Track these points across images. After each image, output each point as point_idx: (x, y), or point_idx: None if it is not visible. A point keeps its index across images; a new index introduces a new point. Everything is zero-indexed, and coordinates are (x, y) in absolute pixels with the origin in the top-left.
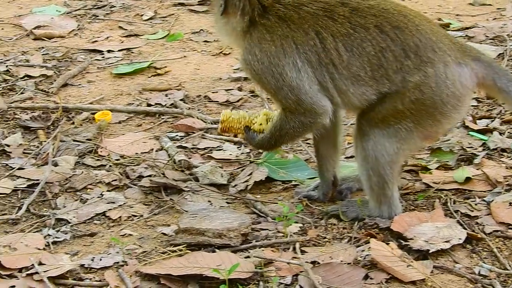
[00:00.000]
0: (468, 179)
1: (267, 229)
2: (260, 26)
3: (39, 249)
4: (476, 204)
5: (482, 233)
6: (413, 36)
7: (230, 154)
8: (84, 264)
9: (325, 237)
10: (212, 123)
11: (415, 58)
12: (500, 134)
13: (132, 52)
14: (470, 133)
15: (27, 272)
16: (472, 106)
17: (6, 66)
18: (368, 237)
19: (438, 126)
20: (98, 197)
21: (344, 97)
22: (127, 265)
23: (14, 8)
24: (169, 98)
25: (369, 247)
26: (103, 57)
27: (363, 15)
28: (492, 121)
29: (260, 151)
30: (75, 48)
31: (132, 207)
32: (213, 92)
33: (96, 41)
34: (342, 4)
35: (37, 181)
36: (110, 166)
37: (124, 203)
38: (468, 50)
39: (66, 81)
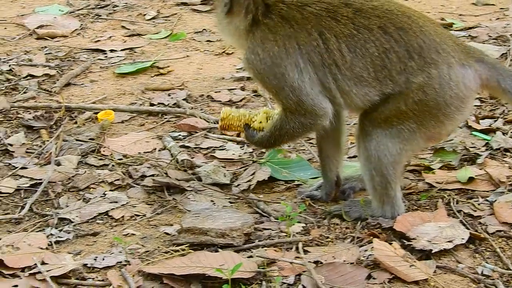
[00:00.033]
0: (471, 179)
1: (270, 229)
2: (263, 26)
3: (42, 248)
4: (479, 204)
5: (485, 233)
6: (417, 37)
7: (233, 154)
8: (86, 264)
9: (328, 237)
10: (215, 123)
11: (419, 59)
12: (503, 134)
13: (135, 52)
14: (473, 133)
15: (30, 272)
16: (475, 106)
17: (9, 66)
18: (371, 237)
19: (441, 127)
20: (101, 196)
21: (347, 98)
22: (129, 264)
23: (17, 8)
24: (171, 98)
25: (372, 247)
26: (105, 56)
27: (367, 16)
28: (495, 121)
29: (261, 149)
30: (77, 47)
31: (134, 206)
32: (215, 92)
33: (98, 40)
34: (345, 5)
35: (40, 181)
36: (113, 165)
37: (127, 203)
38: (472, 52)
39: (69, 81)
